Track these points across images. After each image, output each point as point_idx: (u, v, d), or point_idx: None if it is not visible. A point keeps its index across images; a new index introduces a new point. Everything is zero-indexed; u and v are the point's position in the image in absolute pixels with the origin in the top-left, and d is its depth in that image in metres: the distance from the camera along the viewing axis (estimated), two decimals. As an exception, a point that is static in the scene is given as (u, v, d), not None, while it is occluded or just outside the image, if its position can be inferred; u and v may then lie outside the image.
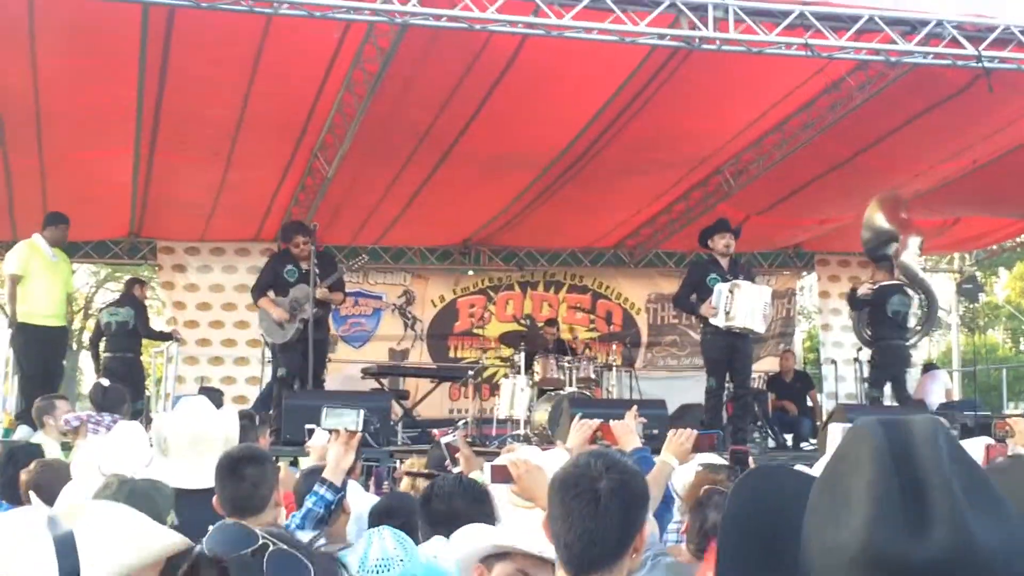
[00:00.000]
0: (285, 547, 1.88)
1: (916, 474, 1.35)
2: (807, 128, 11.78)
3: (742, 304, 11.22)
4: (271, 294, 11.42)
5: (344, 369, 14.83)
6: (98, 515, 2.33)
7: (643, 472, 3.12)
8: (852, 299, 12.84)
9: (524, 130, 11.64)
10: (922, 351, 19.24)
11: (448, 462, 6.09)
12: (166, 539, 2.27)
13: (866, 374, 13.25)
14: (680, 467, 5.44)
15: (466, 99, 10.82)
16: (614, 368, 13.62)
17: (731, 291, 11.23)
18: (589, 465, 2.74)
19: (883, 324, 12.31)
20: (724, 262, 11.66)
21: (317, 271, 11.18)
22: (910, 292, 12.45)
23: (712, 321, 11.35)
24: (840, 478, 1.39)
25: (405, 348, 16.28)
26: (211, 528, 2.12)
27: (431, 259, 16.56)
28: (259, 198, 13.77)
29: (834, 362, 16.28)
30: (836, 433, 3.62)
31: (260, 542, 1.88)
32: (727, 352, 11.44)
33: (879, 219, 11.85)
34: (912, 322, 12.67)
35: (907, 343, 12.58)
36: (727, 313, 11.20)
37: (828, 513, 1.39)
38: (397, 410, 12.54)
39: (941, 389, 16.06)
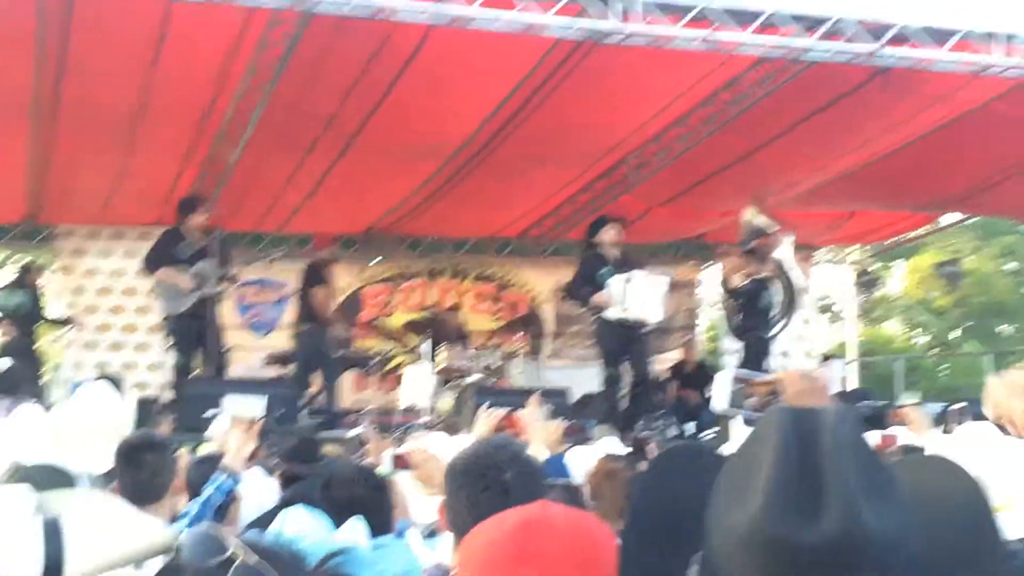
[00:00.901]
0: (256, 562, 1.75)
1: (815, 461, 1.37)
2: (708, 123, 11.92)
3: (636, 295, 11.42)
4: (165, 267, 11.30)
5: (248, 358, 14.70)
6: (89, 504, 2.27)
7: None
8: (730, 289, 13.07)
9: (428, 120, 11.63)
10: (820, 342, 19.55)
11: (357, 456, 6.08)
12: (158, 536, 2.21)
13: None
14: (582, 455, 5.49)
15: (371, 87, 10.79)
16: (520, 356, 13.68)
17: (627, 282, 11.41)
18: (492, 457, 2.74)
19: (753, 316, 12.61)
20: (613, 254, 11.79)
21: (216, 247, 11.15)
22: (778, 286, 12.76)
23: (606, 314, 11.50)
24: (747, 462, 1.42)
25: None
26: (186, 532, 2.06)
27: (336, 247, 16.42)
28: (161, 184, 13.56)
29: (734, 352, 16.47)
30: (724, 381, 3.65)
31: (228, 553, 1.76)
32: (623, 341, 11.59)
33: (750, 213, 12.11)
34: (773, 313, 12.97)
35: (768, 336, 12.89)
36: (622, 305, 11.38)
37: (730, 495, 1.41)
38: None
39: (836, 380, 16.37)
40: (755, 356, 12.65)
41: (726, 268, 13.00)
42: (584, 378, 13.71)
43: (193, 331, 11.16)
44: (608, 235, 11.83)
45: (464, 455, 2.85)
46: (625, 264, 11.75)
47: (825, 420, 1.41)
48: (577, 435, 5.29)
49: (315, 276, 12.39)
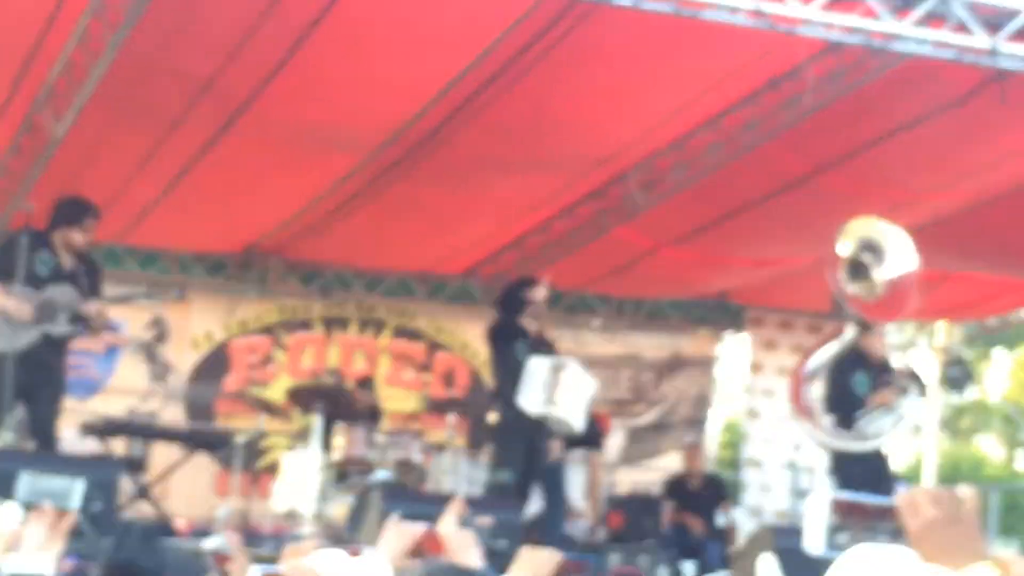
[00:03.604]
0: None
1: None
2: (750, 129, 11.99)
3: (568, 392, 12.10)
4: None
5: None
6: None
7: None
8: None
9: (347, 96, 11.68)
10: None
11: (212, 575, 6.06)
12: None
13: (804, 483, 13.53)
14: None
15: (267, 43, 10.78)
16: (453, 450, 13.65)
17: (556, 370, 12.06)
18: None
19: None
20: (532, 328, 12.56)
21: (86, 278, 11.10)
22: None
23: (523, 403, 12.06)
24: None
25: (152, 410, 16.03)
26: None
27: (197, 271, 16.38)
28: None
29: (759, 464, 16.55)
30: (819, 507, 3.60)
31: None
32: (530, 444, 12.35)
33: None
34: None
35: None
36: (549, 397, 11.96)
37: None
38: (127, 487, 12.38)
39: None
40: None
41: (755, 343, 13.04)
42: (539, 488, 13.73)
43: (19, 382, 11.05)
44: (538, 298, 12.56)
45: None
46: (542, 346, 12.48)
47: None
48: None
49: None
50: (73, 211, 11.48)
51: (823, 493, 3.56)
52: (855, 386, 12.23)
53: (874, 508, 3.10)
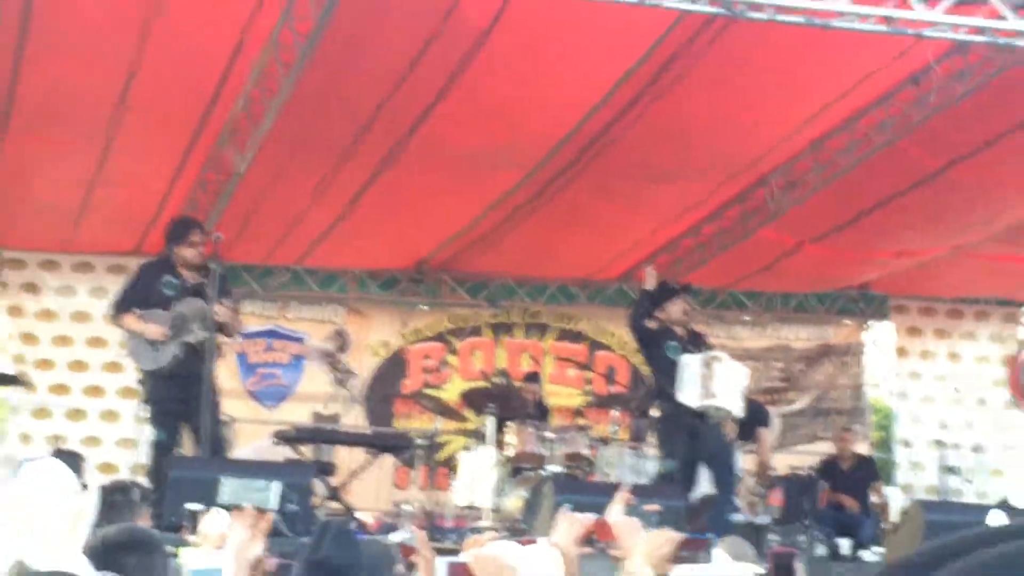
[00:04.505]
0: None
1: None
2: (884, 129, 11.87)
3: (723, 382, 11.97)
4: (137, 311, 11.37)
5: (250, 436, 14.75)
6: None
7: None
8: None
9: (506, 117, 11.70)
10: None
11: (400, 568, 6.07)
12: None
13: (951, 460, 13.36)
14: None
15: (430, 72, 10.86)
16: (614, 442, 13.64)
17: (709, 364, 11.94)
18: None
19: None
20: (680, 330, 12.51)
21: (211, 288, 11.22)
22: None
23: (683, 399, 12.00)
24: None
25: (335, 412, 16.16)
26: None
27: (372, 287, 16.53)
28: (144, 199, 13.74)
29: (909, 444, 16.31)
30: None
31: None
32: (691, 435, 12.25)
33: None
34: None
35: None
36: (706, 390, 11.87)
37: None
38: (320, 490, 12.50)
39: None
40: None
41: (899, 330, 12.81)
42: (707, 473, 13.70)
43: (177, 396, 11.20)
44: (677, 310, 12.48)
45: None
46: (694, 343, 12.46)
47: None
48: (698, 552, 5.19)
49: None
50: (179, 230, 11.65)
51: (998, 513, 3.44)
52: None
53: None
